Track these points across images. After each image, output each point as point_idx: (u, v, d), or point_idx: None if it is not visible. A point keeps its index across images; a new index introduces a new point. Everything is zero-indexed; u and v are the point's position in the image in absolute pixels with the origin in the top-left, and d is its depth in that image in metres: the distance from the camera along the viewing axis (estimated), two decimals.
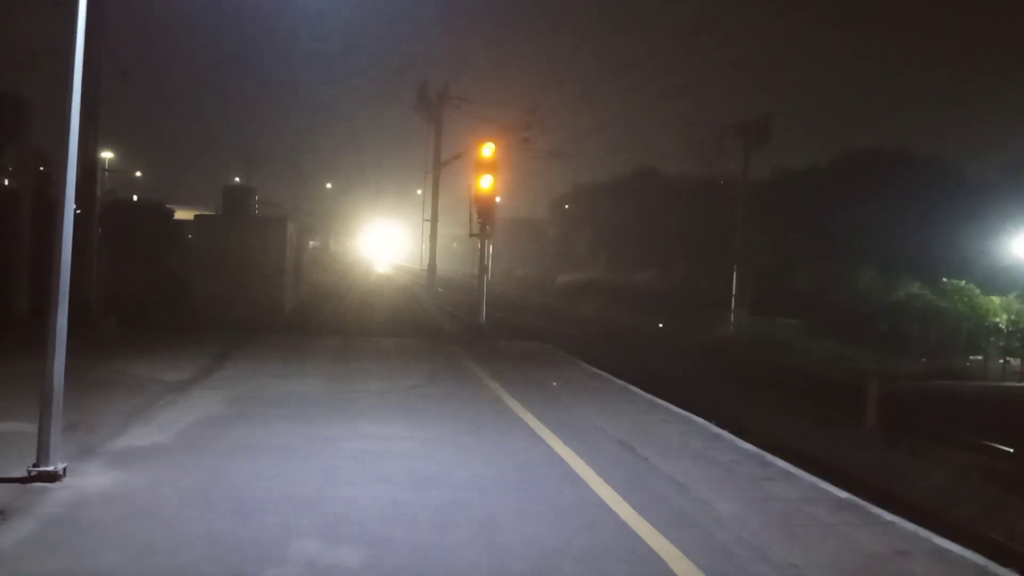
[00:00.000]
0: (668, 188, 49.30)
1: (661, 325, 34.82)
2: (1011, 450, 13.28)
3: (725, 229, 35.25)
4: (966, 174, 36.04)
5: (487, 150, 19.43)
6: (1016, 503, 10.23)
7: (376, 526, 5.59)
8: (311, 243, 44.28)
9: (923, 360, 24.63)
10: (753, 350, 27.21)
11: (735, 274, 33.57)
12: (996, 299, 27.53)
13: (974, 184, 34.83)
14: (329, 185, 74.08)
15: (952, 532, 7.20)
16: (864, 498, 7.09)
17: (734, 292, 33.42)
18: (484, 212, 19.86)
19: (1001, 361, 25.26)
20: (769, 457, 8.40)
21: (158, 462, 7.00)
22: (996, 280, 29.11)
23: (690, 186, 44.63)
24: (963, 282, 28.38)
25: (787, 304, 31.30)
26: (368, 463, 7.26)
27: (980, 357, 24.61)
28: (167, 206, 37.49)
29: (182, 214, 36.92)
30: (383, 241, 64.96)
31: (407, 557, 5.07)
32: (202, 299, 22.21)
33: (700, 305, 35.79)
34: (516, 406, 10.36)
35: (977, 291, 28.00)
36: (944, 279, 28.75)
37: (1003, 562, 5.77)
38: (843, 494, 7.06)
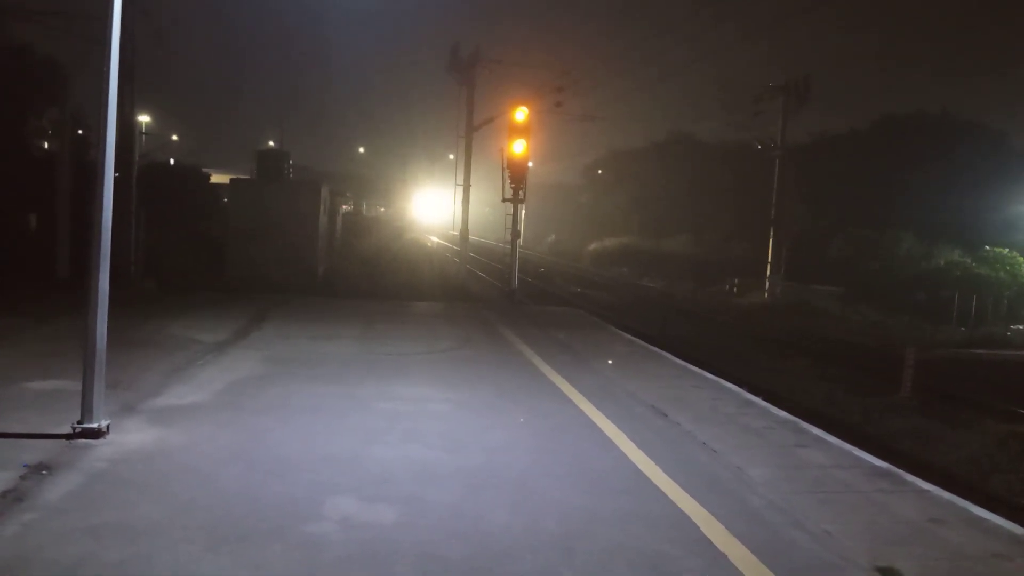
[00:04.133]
0: (703, 153, 48.69)
1: (694, 290, 34.58)
2: None
3: (760, 194, 34.75)
4: (1012, 142, 35.05)
5: (520, 114, 19.29)
6: None
7: (409, 486, 5.67)
8: (343, 208, 44.46)
9: (962, 328, 24.24)
10: (788, 316, 26.96)
11: (771, 239, 33.13)
12: None
13: (1021, 152, 33.86)
14: (362, 150, 74.39)
15: (988, 501, 7.14)
16: (899, 466, 7.04)
17: (769, 258, 33.03)
18: (516, 177, 19.79)
19: None
20: (802, 424, 8.37)
21: (197, 420, 7.15)
22: None
23: (726, 151, 43.97)
24: (1005, 250, 27.75)
25: (823, 271, 30.91)
26: (402, 424, 7.35)
27: (1021, 326, 24.11)
28: (203, 170, 37.89)
29: (218, 177, 37.27)
30: (415, 206, 64.97)
31: (440, 517, 5.13)
32: (237, 262, 22.46)
33: (734, 271, 35.49)
34: (548, 370, 10.40)
35: (1020, 259, 27.39)
36: (986, 247, 28.14)
37: None
38: (877, 461, 7.01)
